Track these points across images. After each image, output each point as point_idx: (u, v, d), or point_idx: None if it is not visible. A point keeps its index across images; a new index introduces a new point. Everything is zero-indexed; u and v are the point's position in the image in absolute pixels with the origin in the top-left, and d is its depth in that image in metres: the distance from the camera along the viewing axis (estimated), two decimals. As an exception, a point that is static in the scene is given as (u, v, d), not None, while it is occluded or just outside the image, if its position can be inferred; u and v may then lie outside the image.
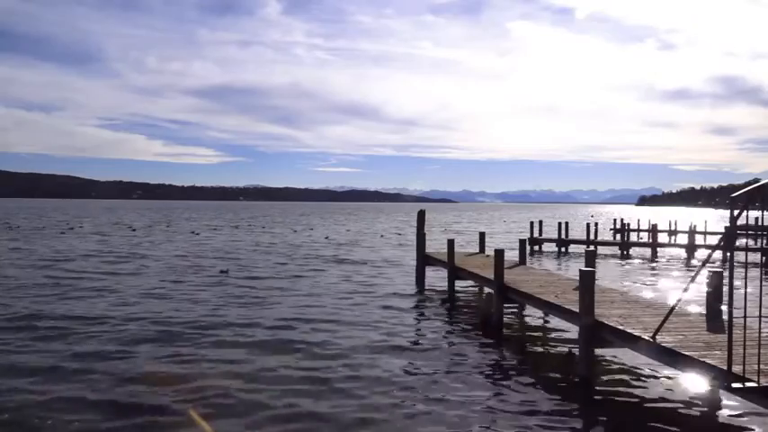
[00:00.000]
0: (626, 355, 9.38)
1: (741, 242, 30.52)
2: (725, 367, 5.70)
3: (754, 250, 28.56)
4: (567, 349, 10.52)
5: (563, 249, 32.96)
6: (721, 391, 7.26)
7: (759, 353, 5.51)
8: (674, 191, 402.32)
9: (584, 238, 33.88)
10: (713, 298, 8.90)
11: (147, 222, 65.82)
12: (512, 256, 17.54)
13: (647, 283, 20.36)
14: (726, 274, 7.56)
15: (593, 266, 10.71)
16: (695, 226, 34.09)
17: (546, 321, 12.87)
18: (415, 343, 11.16)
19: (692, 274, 7.01)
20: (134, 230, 47.54)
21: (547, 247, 34.28)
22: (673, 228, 38.80)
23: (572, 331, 10.83)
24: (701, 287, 10.11)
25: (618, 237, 39.81)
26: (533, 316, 13.45)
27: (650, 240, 33.89)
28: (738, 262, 21.38)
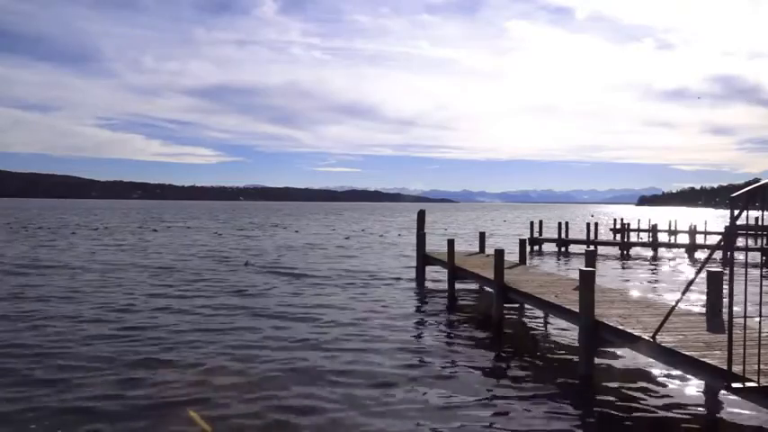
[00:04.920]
0: (626, 355, 9.38)
1: (741, 242, 30.52)
2: (725, 367, 5.70)
3: (754, 250, 28.55)
4: (564, 351, 10.52)
5: (563, 249, 32.96)
6: (721, 391, 7.26)
7: (759, 353, 5.51)
8: (673, 191, 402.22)
9: (585, 238, 33.89)
10: (713, 298, 8.89)
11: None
12: (512, 256, 17.56)
13: (647, 283, 20.37)
14: (726, 274, 7.56)
15: (594, 266, 10.71)
16: (695, 226, 34.08)
17: (546, 321, 12.87)
18: (415, 342, 11.15)
19: (692, 274, 7.02)
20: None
21: (547, 247, 34.29)
22: (673, 228, 38.79)
23: (572, 331, 10.84)
24: (701, 287, 10.11)
25: (618, 237, 39.80)
26: (533, 316, 13.45)
27: (650, 240, 33.89)
28: (738, 262, 21.38)
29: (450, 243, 16.83)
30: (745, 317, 5.57)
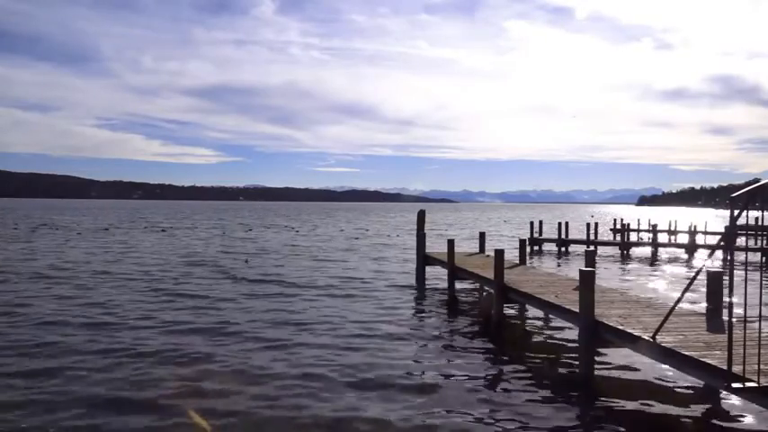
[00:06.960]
0: (626, 355, 9.38)
1: (741, 242, 30.52)
2: (725, 367, 5.70)
3: (754, 250, 28.55)
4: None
5: (563, 249, 32.96)
6: (721, 391, 7.26)
7: (759, 353, 5.51)
8: (673, 191, 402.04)
9: (585, 238, 33.89)
10: (713, 298, 8.89)
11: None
12: (512, 256, 17.56)
13: (647, 283, 20.36)
14: (726, 274, 7.56)
15: (593, 266, 10.71)
16: (695, 226, 34.09)
17: (546, 321, 12.87)
18: (415, 342, 11.15)
19: (692, 274, 7.02)
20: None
21: (547, 247, 34.29)
22: (673, 228, 38.80)
23: (572, 331, 10.84)
24: (701, 287, 10.11)
25: (618, 237, 39.80)
26: (533, 316, 13.45)
27: (650, 240, 33.89)
28: (738, 262, 21.38)
29: (450, 243, 16.83)
30: (745, 317, 5.57)
